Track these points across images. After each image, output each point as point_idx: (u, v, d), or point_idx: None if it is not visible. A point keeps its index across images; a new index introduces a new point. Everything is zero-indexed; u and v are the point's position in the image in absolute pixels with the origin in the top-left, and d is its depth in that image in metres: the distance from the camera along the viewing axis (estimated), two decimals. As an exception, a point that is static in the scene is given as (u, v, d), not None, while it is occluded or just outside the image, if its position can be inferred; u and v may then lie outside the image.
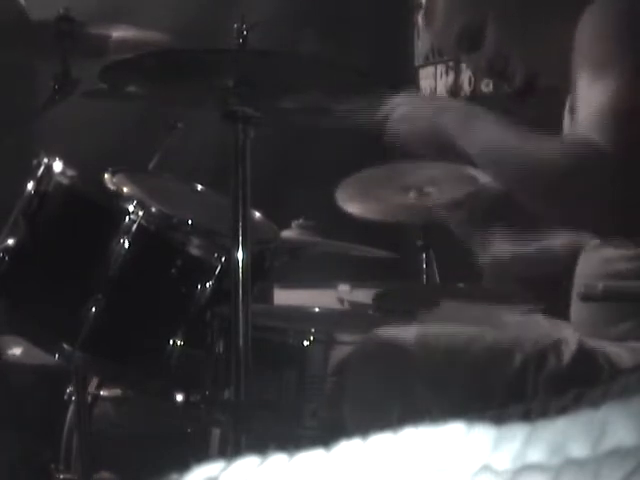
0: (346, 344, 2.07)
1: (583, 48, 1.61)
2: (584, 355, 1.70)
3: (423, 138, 1.69)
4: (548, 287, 2.21)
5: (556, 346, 1.71)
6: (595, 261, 1.81)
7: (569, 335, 1.80)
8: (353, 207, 2.88)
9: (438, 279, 3.09)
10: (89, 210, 2.17)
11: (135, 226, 2.05)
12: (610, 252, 1.78)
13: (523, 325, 1.99)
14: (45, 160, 2.15)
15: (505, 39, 1.79)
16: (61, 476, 2.41)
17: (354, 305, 2.93)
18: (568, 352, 1.70)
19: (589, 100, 1.55)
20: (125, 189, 2.16)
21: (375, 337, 1.82)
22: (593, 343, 1.74)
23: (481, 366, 1.69)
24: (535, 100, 1.85)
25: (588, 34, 1.61)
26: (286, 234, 2.86)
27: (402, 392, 1.67)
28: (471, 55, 1.84)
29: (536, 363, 1.68)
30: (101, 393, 2.42)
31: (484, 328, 1.85)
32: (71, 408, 2.44)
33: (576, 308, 1.86)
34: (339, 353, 2.00)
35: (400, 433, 0.51)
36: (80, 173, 2.15)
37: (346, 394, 1.81)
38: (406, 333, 1.78)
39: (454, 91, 4.13)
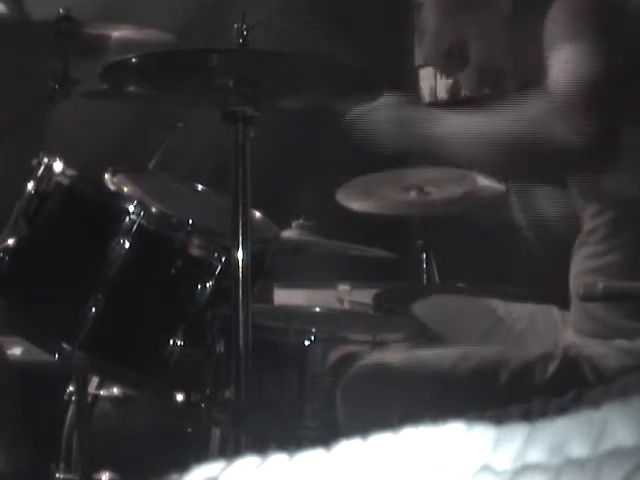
0: (347, 344, 2.07)
1: (552, 31, 1.70)
2: (568, 367, 1.71)
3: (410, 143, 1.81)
4: (550, 287, 2.22)
5: (541, 360, 1.72)
6: (579, 259, 1.85)
7: (559, 341, 1.82)
8: (355, 205, 2.88)
9: (438, 279, 3.10)
10: (89, 210, 2.16)
11: (135, 226, 2.05)
12: (587, 249, 1.81)
13: (534, 315, 2.00)
14: (45, 160, 2.15)
15: (490, 53, 1.86)
16: (61, 476, 2.40)
17: (354, 305, 2.93)
18: (553, 365, 1.71)
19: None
20: (125, 189, 2.16)
21: (362, 364, 1.83)
22: (579, 349, 1.75)
23: (468, 386, 1.70)
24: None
25: (555, 20, 1.70)
26: (286, 234, 2.86)
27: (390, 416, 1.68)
28: (461, 71, 1.91)
29: (521, 379, 1.69)
30: (101, 393, 2.42)
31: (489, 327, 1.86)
32: (71, 408, 2.44)
33: (574, 305, 1.88)
34: (335, 353, 2.00)
35: (400, 433, 0.51)
36: (80, 173, 2.15)
37: (339, 405, 1.82)
38: (392, 358, 1.80)
39: (454, 91, 4.12)
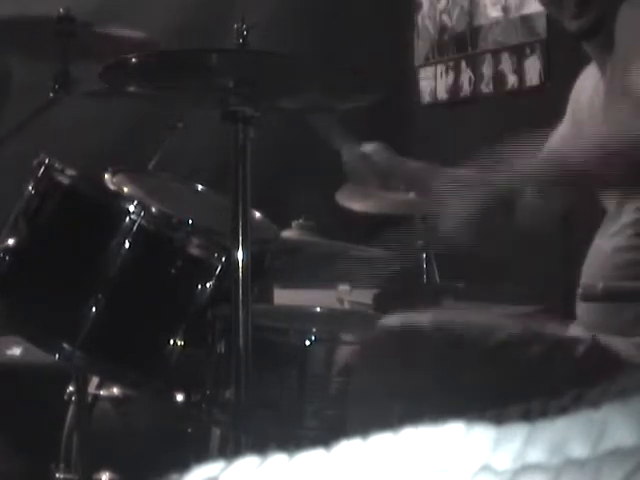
0: (347, 344, 2.07)
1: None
2: (597, 349, 1.70)
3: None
4: (548, 287, 2.22)
5: (570, 341, 1.72)
6: (605, 252, 1.83)
7: (579, 332, 1.82)
8: (355, 205, 2.88)
9: (438, 279, 3.10)
10: (89, 210, 2.17)
11: (135, 226, 2.05)
12: (621, 241, 1.80)
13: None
14: (45, 160, 2.15)
15: None
16: (61, 476, 2.40)
17: (354, 305, 2.93)
18: (582, 347, 1.70)
19: None
20: (125, 189, 2.16)
21: (390, 320, 1.82)
22: (604, 339, 1.75)
23: (496, 357, 1.69)
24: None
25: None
26: (286, 234, 2.86)
27: (409, 384, 1.67)
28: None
29: (552, 356, 1.68)
30: (101, 393, 2.42)
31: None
32: (71, 408, 2.44)
33: (581, 306, 1.87)
34: (344, 354, 2.00)
35: (400, 433, 0.51)
36: (80, 173, 2.15)
37: (351, 392, 1.81)
38: (421, 318, 1.78)
39: (454, 91, 4.13)
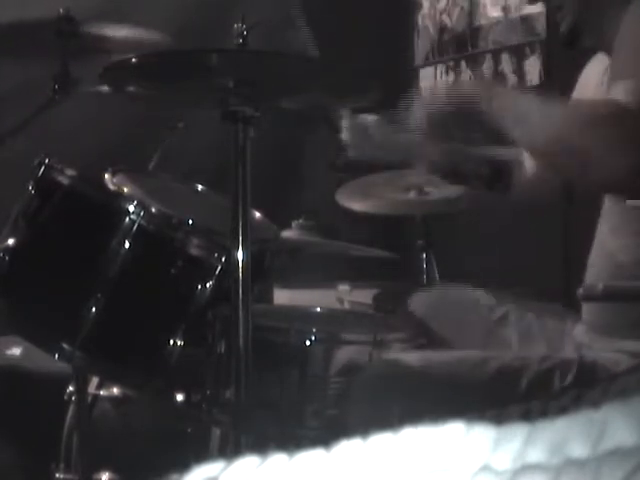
0: (347, 344, 2.07)
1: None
2: (585, 373, 1.69)
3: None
4: (548, 287, 2.21)
5: (559, 367, 1.71)
6: (602, 256, 1.83)
7: (570, 348, 1.81)
8: (355, 205, 2.89)
9: (438, 279, 3.10)
10: (89, 210, 2.17)
11: (135, 226, 2.05)
12: (613, 244, 1.80)
13: (540, 313, 1.99)
14: (45, 160, 2.15)
15: None
16: (61, 476, 2.40)
17: (354, 305, 2.94)
18: (571, 372, 1.70)
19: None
20: (125, 189, 2.16)
21: (378, 363, 1.82)
22: (592, 354, 1.74)
23: (486, 392, 1.68)
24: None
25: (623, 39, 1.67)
26: (286, 234, 2.86)
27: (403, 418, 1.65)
28: None
29: (541, 387, 1.68)
30: (101, 393, 2.42)
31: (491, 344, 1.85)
32: (71, 408, 2.44)
33: (586, 306, 1.87)
34: (343, 354, 2.00)
35: (400, 433, 0.51)
36: (80, 173, 2.15)
37: (350, 406, 1.81)
38: (410, 359, 1.78)
39: (454, 91, 4.12)
